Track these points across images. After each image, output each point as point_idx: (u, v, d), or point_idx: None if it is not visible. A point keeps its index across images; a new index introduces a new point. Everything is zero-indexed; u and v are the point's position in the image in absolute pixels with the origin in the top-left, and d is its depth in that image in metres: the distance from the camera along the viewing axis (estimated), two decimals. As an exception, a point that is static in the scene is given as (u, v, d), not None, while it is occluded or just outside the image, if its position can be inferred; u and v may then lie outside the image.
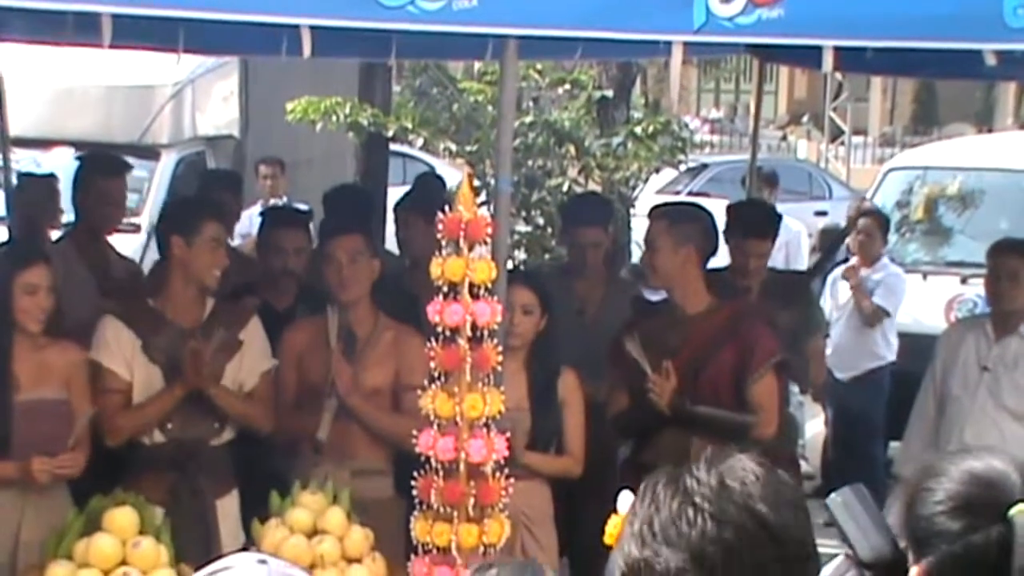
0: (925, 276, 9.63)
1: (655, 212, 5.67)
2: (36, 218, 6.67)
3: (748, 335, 5.46)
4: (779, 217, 6.76)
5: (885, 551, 2.47)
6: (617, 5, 4.33)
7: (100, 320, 5.23)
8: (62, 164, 9.46)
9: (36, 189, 6.84)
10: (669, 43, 4.45)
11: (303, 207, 7.64)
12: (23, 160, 9.08)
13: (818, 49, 4.54)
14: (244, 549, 4.76)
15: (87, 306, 5.54)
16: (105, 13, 4.19)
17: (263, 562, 2.03)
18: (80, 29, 5.18)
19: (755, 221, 6.48)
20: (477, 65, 11.08)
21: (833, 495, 2.58)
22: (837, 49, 4.55)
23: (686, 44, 4.44)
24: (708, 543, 1.92)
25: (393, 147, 11.99)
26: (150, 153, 11.03)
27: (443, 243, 4.37)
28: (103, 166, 6.67)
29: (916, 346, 8.59)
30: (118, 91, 10.94)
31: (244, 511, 5.21)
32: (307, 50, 4.30)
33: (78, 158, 7.04)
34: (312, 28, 4.29)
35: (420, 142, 11.85)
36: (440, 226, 4.37)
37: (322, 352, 5.32)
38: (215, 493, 5.22)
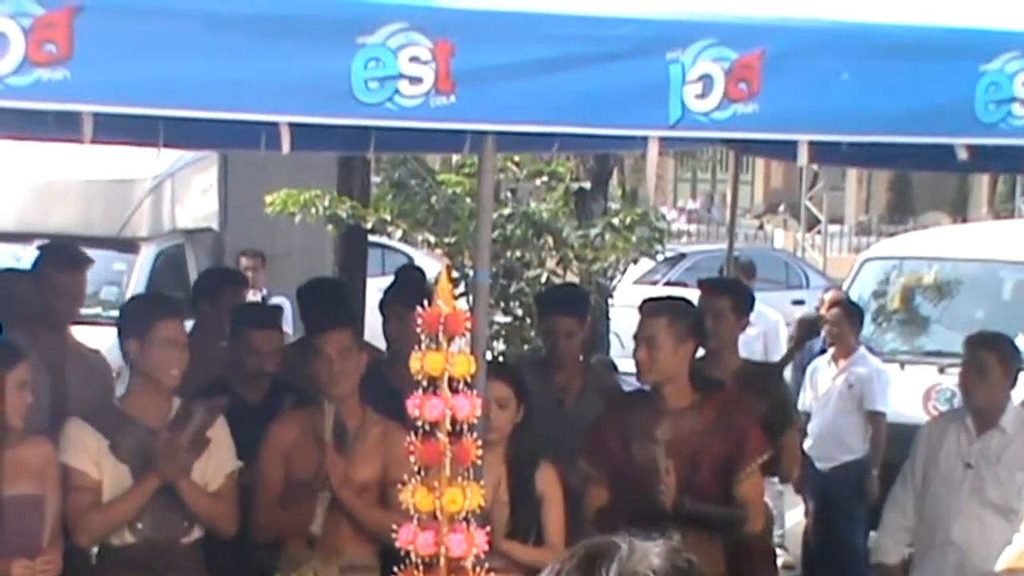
0: (903, 366, 9.66)
1: (651, 307, 5.57)
2: (16, 315, 6.61)
3: (738, 430, 5.47)
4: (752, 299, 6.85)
5: None
6: (593, 101, 4.37)
7: (65, 423, 5.22)
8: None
9: (17, 286, 6.79)
10: (645, 137, 4.49)
11: (277, 301, 7.63)
12: (3, 255, 9.08)
13: (794, 142, 4.59)
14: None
15: (42, 401, 5.47)
16: (86, 112, 4.21)
17: None
18: (60, 126, 5.21)
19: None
20: (455, 157, 11.14)
21: None
22: (812, 143, 4.60)
23: (662, 138, 4.48)
24: None
25: (372, 239, 12.02)
26: (129, 246, 11.05)
27: (422, 337, 4.37)
28: (63, 260, 6.61)
29: (894, 436, 8.61)
30: (97, 185, 10.97)
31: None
32: (286, 146, 4.33)
33: (39, 248, 6.99)
34: (291, 124, 4.32)
35: (399, 234, 11.88)
36: (419, 320, 4.38)
37: (311, 446, 5.31)
38: (186, 593, 5.19)
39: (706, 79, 4.29)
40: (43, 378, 5.81)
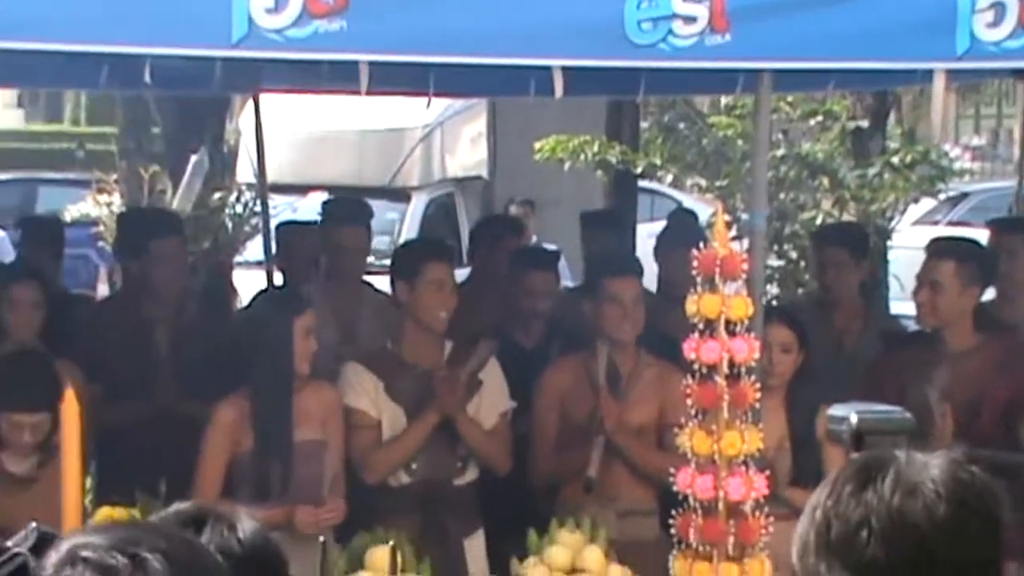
0: None
1: (938, 248, 5.44)
2: (300, 265, 6.75)
3: (1022, 373, 5.28)
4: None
5: None
6: (874, 34, 4.23)
7: (344, 366, 5.32)
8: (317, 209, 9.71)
9: (299, 237, 6.91)
10: (929, 71, 4.33)
11: (552, 248, 7.64)
12: (280, 206, 9.32)
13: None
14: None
15: (328, 353, 5.55)
16: (363, 61, 4.26)
17: None
18: (335, 77, 5.29)
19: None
20: (724, 99, 10.99)
21: None
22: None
23: (949, 71, 4.31)
24: (878, 570, 1.90)
25: (641, 184, 11.96)
26: (401, 195, 11.22)
27: (698, 279, 4.31)
28: (344, 214, 6.64)
29: None
30: (370, 135, 11.16)
31: (493, 550, 5.23)
32: (559, 90, 4.29)
33: (324, 203, 7.05)
34: (564, 68, 4.29)
35: (669, 178, 11.79)
36: (695, 262, 4.33)
37: (585, 390, 5.32)
38: (462, 533, 5.27)
39: (998, 6, 4.11)
40: (330, 332, 5.87)
